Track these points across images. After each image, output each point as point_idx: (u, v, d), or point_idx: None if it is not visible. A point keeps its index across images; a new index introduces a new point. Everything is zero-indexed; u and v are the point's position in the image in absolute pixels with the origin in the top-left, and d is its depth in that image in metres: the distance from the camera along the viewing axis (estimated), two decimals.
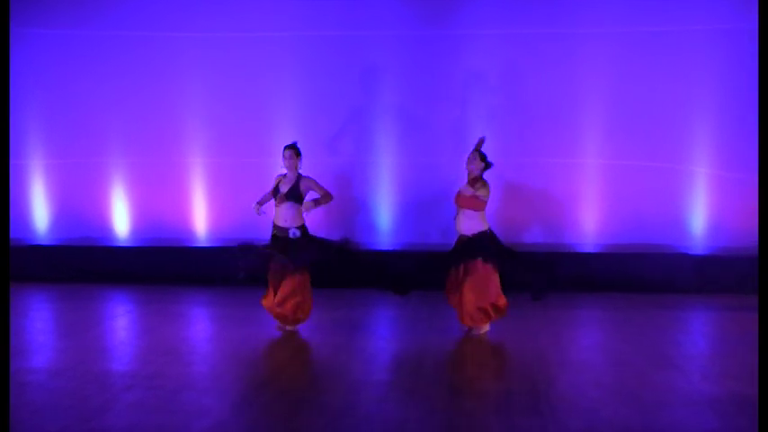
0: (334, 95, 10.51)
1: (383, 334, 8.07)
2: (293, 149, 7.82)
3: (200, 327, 8.70)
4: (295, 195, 7.74)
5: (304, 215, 7.80)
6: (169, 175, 10.91)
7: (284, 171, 7.87)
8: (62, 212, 11.12)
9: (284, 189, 7.77)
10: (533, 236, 10.50)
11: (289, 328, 7.83)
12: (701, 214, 10.25)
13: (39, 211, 11.12)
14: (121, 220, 11.04)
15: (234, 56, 10.65)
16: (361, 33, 10.47)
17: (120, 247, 11.02)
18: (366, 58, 10.50)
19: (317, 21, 10.52)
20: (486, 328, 7.72)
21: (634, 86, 10.20)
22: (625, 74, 10.21)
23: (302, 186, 7.77)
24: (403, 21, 10.45)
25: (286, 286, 7.70)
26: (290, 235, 7.72)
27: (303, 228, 7.80)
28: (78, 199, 11.07)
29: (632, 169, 10.31)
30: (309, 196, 7.82)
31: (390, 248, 10.62)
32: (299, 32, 10.56)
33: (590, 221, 10.42)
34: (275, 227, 7.86)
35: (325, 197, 7.83)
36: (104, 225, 11.07)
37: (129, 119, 10.85)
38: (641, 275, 10.20)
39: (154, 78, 10.78)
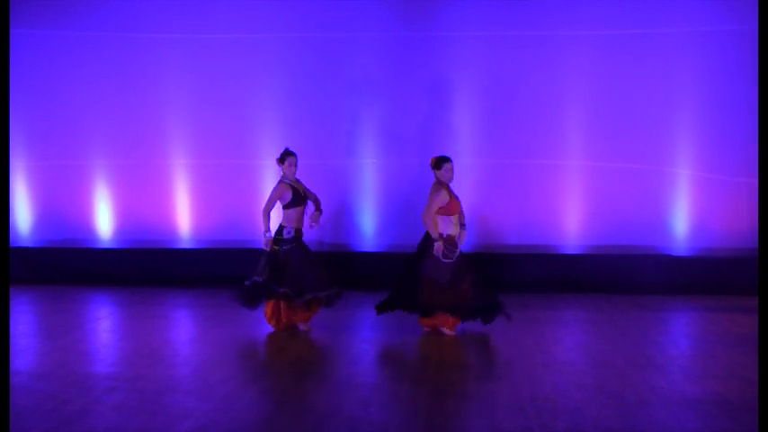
0: (317, 97, 10.52)
1: (366, 336, 8.07)
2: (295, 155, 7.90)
3: (184, 328, 8.68)
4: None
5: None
6: (152, 176, 10.87)
7: (281, 177, 7.89)
8: (44, 214, 11.07)
9: (302, 193, 7.90)
10: (516, 237, 10.53)
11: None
12: (684, 216, 10.31)
13: (21, 212, 11.05)
14: (104, 222, 10.99)
15: (216, 57, 10.64)
16: (344, 35, 10.48)
17: (102, 249, 10.98)
18: (349, 60, 10.51)
19: (300, 23, 10.53)
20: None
21: (617, 89, 10.26)
22: (608, 76, 10.27)
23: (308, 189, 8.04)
24: (386, 23, 10.47)
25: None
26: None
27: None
28: (61, 201, 11.02)
29: (615, 171, 10.36)
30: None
31: (374, 250, 10.64)
32: (281, 34, 10.56)
33: (573, 223, 10.46)
34: (299, 231, 7.84)
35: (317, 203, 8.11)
36: (87, 227, 11.03)
37: (111, 120, 10.82)
38: (624, 277, 10.26)
39: (137, 80, 10.75)
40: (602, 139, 10.35)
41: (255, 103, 10.66)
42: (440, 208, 7.42)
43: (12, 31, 10.55)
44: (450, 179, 7.55)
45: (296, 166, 7.85)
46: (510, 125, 10.41)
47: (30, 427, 4.96)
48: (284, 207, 7.79)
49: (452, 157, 7.66)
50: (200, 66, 10.68)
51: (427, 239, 7.54)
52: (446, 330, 7.62)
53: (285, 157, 7.82)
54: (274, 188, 7.82)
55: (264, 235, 7.77)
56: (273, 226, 7.85)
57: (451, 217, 7.47)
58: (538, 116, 10.37)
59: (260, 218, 7.87)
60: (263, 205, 7.90)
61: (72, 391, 5.76)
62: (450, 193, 7.53)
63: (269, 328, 7.87)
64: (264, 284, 7.66)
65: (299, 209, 7.80)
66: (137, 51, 10.74)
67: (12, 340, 7.41)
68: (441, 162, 7.53)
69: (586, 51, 10.28)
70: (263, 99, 10.64)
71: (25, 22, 10.76)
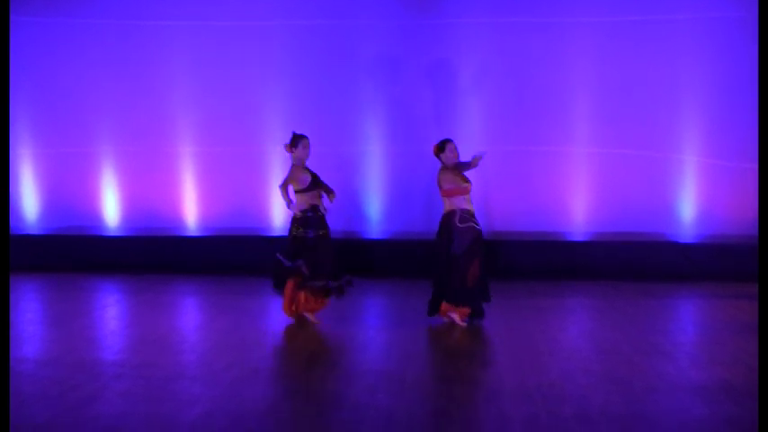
0: (323, 85, 10.50)
1: (373, 323, 8.07)
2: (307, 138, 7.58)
3: (190, 315, 8.69)
4: None
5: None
6: (159, 164, 10.88)
7: (293, 161, 7.59)
8: (52, 202, 11.09)
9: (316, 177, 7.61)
10: (522, 224, 10.51)
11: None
12: (690, 202, 10.29)
13: (27, 200, 11.07)
14: (111, 210, 11.00)
15: (223, 44, 10.62)
16: (350, 22, 10.46)
17: (110, 236, 11.00)
18: (354, 47, 10.49)
19: (306, 9, 10.51)
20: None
21: (623, 75, 10.22)
22: (614, 62, 10.23)
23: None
24: (391, 10, 10.44)
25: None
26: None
27: None
28: (68, 188, 11.03)
29: (621, 158, 10.34)
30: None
31: (381, 237, 10.64)
32: (288, 21, 10.53)
33: (580, 210, 10.44)
34: (315, 208, 7.53)
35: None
36: (94, 214, 11.04)
37: (117, 108, 10.82)
38: (630, 264, 10.26)
39: (142, 66, 10.74)
40: (608, 125, 10.31)
41: (261, 90, 10.65)
42: (449, 190, 7.38)
43: (16, 19, 10.55)
44: (457, 158, 7.50)
45: (309, 148, 7.53)
46: (516, 112, 10.38)
47: (36, 414, 4.97)
48: (299, 192, 7.46)
49: (458, 144, 7.60)
50: (206, 53, 10.66)
51: (447, 221, 7.44)
52: (457, 320, 7.53)
53: (297, 140, 7.46)
54: (290, 170, 7.49)
55: (289, 207, 7.52)
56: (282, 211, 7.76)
57: (466, 195, 7.41)
58: (544, 103, 10.34)
59: (279, 195, 7.64)
60: (279, 183, 7.67)
61: (79, 377, 5.77)
62: (460, 173, 7.47)
63: (276, 316, 7.87)
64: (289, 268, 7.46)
65: (314, 192, 7.49)
66: (141, 38, 10.72)
67: (19, 327, 7.44)
68: (443, 145, 7.48)
69: (592, 38, 10.24)
70: (268, 86, 10.63)
71: (30, 9, 10.75)
